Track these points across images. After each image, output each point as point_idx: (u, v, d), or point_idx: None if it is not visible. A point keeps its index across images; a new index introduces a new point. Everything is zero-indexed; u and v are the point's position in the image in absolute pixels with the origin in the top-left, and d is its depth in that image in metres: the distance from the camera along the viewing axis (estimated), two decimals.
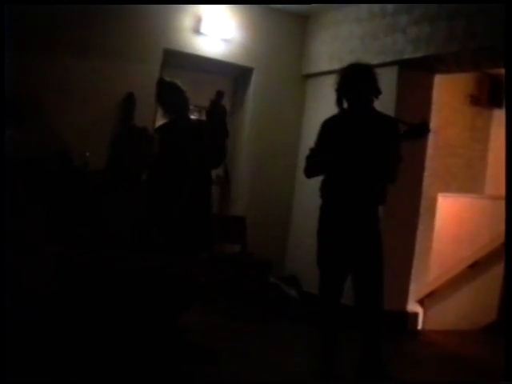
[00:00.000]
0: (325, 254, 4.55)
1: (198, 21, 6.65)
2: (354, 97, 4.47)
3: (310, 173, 4.66)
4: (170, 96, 4.87)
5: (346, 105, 4.53)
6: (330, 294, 4.52)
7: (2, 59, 4.10)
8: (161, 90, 4.94)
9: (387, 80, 6.07)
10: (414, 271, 6.30)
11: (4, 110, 4.32)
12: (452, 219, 6.73)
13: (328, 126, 4.57)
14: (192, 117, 5.22)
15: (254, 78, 7.14)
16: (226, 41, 6.84)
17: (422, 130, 4.40)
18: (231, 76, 7.31)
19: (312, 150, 4.58)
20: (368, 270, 4.48)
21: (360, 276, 4.47)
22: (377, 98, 4.50)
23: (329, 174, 4.56)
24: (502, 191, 4.10)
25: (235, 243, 6.65)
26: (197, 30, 6.67)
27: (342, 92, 4.49)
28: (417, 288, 6.41)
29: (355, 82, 4.44)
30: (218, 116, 4.80)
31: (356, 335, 4.41)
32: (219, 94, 4.80)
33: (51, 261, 3.81)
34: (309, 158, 4.59)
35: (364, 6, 6.46)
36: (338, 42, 6.81)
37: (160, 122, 6.44)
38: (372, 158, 4.39)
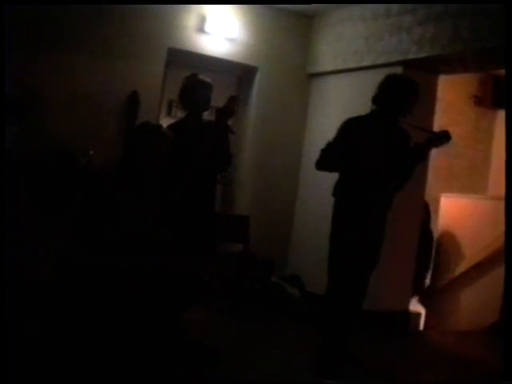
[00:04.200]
0: (340, 254, 4.56)
1: (203, 20, 6.65)
2: (396, 108, 4.53)
3: (321, 167, 4.64)
4: (193, 94, 4.82)
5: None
6: (342, 293, 4.55)
7: (1, 59, 4.10)
8: (188, 86, 4.88)
9: None
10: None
11: (4, 110, 4.32)
12: (454, 219, 6.74)
13: (352, 125, 4.58)
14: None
15: (259, 77, 7.14)
16: (230, 40, 6.84)
17: (443, 138, 4.57)
18: (235, 75, 7.30)
19: (329, 145, 4.57)
20: (366, 270, 4.61)
21: (358, 273, 4.57)
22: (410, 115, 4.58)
23: (345, 175, 4.59)
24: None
25: (238, 242, 6.65)
26: (201, 29, 6.66)
27: (385, 98, 4.54)
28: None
29: (407, 95, 4.52)
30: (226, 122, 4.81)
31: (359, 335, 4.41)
32: (234, 100, 4.77)
33: (54, 257, 3.83)
34: (324, 152, 4.58)
35: (368, 6, 6.45)
36: (342, 42, 6.81)
37: (164, 120, 6.48)
38: (389, 167, 4.51)
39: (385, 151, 4.51)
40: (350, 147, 4.48)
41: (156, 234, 3.98)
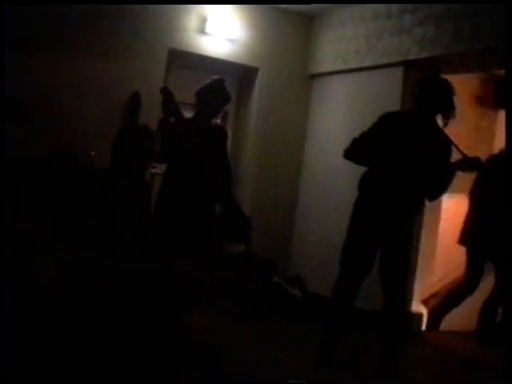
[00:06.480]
0: (351, 250, 4.53)
1: (204, 21, 6.66)
2: (437, 107, 4.42)
3: (349, 156, 4.51)
4: (212, 96, 4.87)
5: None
6: (347, 292, 4.54)
7: (1, 59, 4.10)
8: (213, 86, 4.90)
9: (392, 81, 6.09)
10: (418, 271, 6.28)
11: (4, 110, 4.33)
12: (457, 219, 6.71)
13: (389, 119, 4.47)
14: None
15: (260, 78, 7.15)
16: (231, 41, 6.85)
17: (474, 165, 4.51)
18: (236, 76, 7.32)
19: (362, 136, 4.46)
20: (392, 272, 4.53)
21: (385, 278, 4.54)
22: (448, 119, 4.47)
23: (373, 170, 4.49)
24: None
25: (239, 243, 6.65)
26: (202, 30, 6.68)
27: (427, 98, 4.43)
28: (421, 288, 6.40)
29: (448, 94, 4.41)
30: None
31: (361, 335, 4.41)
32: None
33: (55, 260, 3.83)
34: (355, 142, 4.46)
35: (369, 7, 6.46)
36: (343, 43, 6.82)
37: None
38: (422, 170, 4.39)
39: (417, 151, 4.36)
40: (382, 140, 4.37)
41: (147, 233, 4.01)
